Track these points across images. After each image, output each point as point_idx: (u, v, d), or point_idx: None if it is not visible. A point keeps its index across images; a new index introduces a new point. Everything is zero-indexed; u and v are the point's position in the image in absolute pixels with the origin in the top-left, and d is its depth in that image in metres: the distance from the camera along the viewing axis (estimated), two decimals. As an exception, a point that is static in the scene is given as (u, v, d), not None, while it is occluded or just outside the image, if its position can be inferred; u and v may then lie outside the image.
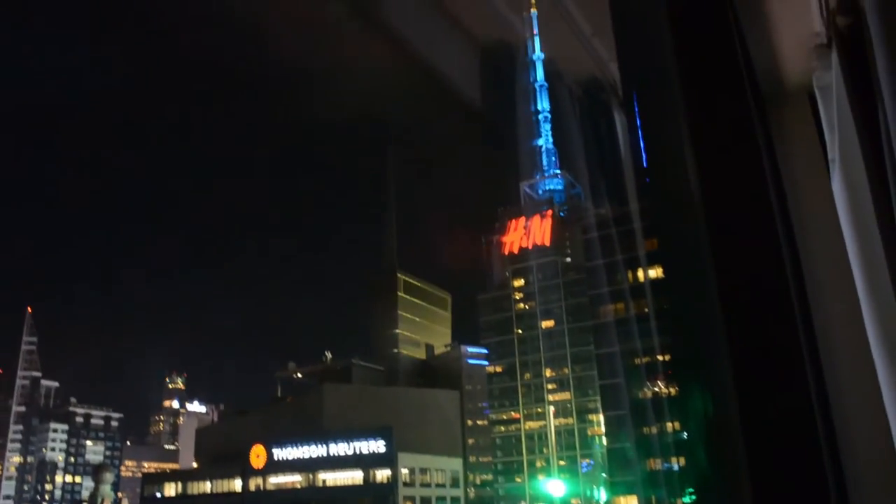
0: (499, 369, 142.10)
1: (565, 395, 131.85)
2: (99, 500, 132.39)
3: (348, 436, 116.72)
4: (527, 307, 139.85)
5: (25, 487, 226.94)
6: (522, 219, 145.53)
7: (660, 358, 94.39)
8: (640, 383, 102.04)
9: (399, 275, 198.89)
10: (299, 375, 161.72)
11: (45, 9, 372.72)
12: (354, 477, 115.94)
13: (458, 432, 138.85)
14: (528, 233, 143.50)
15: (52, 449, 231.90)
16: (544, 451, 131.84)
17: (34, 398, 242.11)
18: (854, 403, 2.86)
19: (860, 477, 2.71)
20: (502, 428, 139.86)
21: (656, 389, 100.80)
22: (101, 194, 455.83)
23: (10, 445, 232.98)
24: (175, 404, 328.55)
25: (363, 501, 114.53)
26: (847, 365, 2.93)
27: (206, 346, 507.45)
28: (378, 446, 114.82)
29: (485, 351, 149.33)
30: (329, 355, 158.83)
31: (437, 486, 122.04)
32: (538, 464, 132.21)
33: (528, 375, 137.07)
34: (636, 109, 2.73)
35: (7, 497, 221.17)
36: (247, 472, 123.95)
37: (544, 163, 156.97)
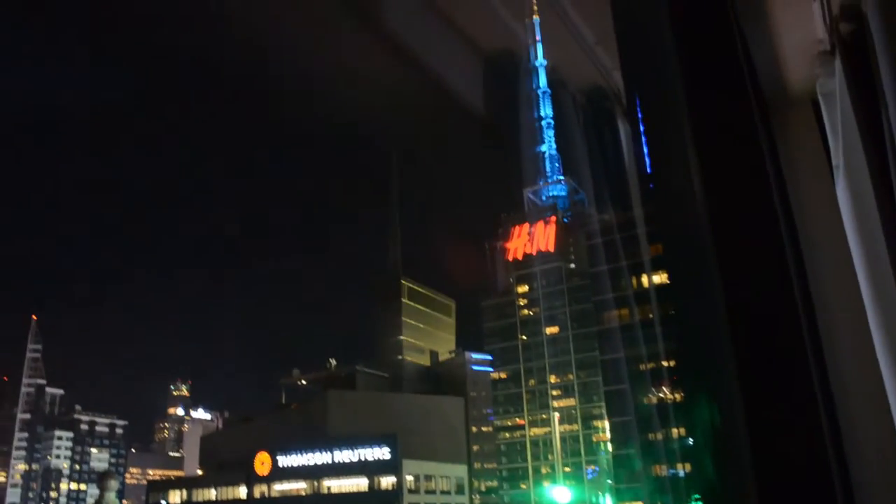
0: (503, 375, 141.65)
1: (570, 402, 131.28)
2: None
3: (353, 443, 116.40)
4: (531, 313, 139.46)
5: (30, 495, 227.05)
6: (526, 225, 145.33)
7: (665, 363, 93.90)
8: (646, 389, 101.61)
9: (403, 281, 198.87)
10: (304, 382, 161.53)
11: (45, 9, 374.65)
12: (359, 484, 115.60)
13: (462, 439, 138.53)
14: (532, 239, 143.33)
15: (57, 456, 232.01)
16: (549, 457, 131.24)
17: (39, 405, 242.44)
18: (860, 409, 2.85)
19: (867, 482, 2.70)
20: (507, 434, 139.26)
21: (662, 395, 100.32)
22: (107, 201, 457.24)
23: (15, 453, 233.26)
24: (180, 411, 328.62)
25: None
26: (852, 371, 2.93)
27: (211, 354, 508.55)
28: (383, 453, 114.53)
29: (489, 357, 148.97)
30: (333, 362, 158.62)
31: (442, 493, 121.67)
32: (543, 470, 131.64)
33: (532, 382, 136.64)
34: (640, 116, 2.74)
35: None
36: (251, 479, 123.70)
37: (548, 169, 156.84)
